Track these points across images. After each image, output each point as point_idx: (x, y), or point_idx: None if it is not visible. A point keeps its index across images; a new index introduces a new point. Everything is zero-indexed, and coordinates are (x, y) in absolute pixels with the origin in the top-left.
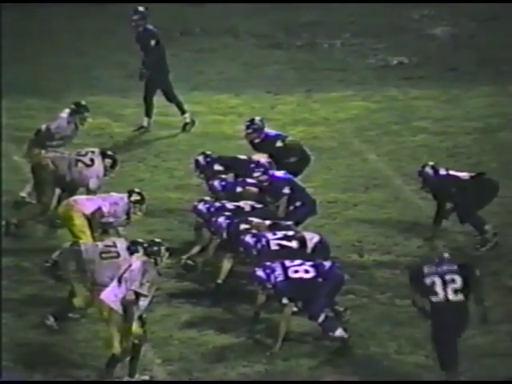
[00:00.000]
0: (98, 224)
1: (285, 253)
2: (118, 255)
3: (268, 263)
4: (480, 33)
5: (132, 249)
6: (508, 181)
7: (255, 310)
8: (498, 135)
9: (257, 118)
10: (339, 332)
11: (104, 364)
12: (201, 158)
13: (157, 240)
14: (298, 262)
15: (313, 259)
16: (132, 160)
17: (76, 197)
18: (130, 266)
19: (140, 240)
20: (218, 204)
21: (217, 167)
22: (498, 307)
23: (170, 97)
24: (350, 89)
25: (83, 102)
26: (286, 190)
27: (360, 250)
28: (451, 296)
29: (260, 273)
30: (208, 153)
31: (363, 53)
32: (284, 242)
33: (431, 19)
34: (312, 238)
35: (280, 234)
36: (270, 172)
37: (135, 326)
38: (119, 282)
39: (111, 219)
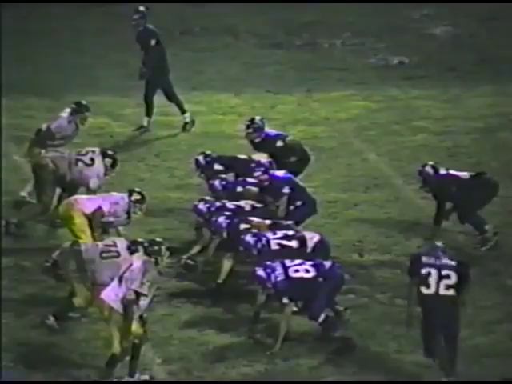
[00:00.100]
0: (99, 223)
1: (285, 252)
2: (119, 255)
3: (268, 263)
4: (480, 33)
5: (132, 248)
6: (508, 181)
7: (255, 310)
8: (498, 135)
9: (257, 118)
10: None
11: (104, 364)
12: (201, 158)
13: (157, 239)
14: (298, 261)
15: (313, 259)
16: (132, 159)
17: (76, 196)
18: (131, 265)
19: (140, 239)
20: (218, 204)
21: (217, 167)
22: (498, 307)
23: (170, 96)
24: (350, 88)
25: (84, 102)
26: (286, 190)
27: (360, 249)
28: (442, 291)
29: (260, 272)
30: (208, 152)
31: (363, 52)
32: (284, 242)
33: (431, 19)
34: (312, 238)
35: (280, 233)
36: (271, 172)
37: (135, 326)
38: (120, 281)
39: (111, 219)
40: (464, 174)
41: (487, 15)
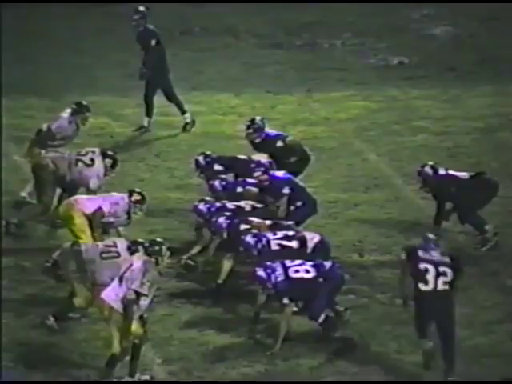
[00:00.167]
0: (99, 224)
1: (285, 253)
2: (119, 255)
3: (268, 263)
4: (480, 33)
5: (132, 248)
6: (508, 181)
7: (255, 310)
8: (498, 135)
9: (257, 118)
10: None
11: (104, 364)
12: (201, 158)
13: (158, 239)
14: (298, 261)
15: (313, 259)
16: (132, 160)
17: (76, 196)
18: (131, 265)
19: (141, 240)
20: (218, 204)
21: (217, 167)
22: (498, 307)
23: (170, 97)
24: (350, 89)
25: (84, 102)
26: (287, 190)
27: (360, 249)
28: (439, 287)
29: (261, 273)
30: (208, 153)
31: (363, 53)
32: (284, 242)
33: (431, 19)
34: (312, 238)
35: (280, 233)
36: (271, 172)
37: (136, 326)
38: (120, 281)
39: (112, 219)
40: (463, 174)
41: (487, 15)
